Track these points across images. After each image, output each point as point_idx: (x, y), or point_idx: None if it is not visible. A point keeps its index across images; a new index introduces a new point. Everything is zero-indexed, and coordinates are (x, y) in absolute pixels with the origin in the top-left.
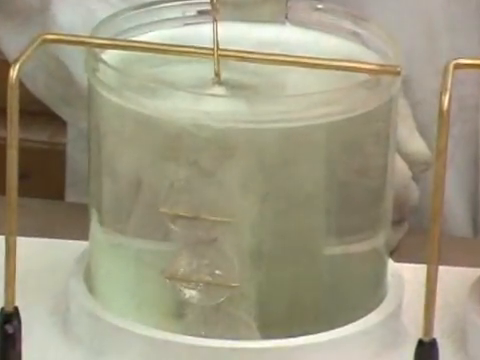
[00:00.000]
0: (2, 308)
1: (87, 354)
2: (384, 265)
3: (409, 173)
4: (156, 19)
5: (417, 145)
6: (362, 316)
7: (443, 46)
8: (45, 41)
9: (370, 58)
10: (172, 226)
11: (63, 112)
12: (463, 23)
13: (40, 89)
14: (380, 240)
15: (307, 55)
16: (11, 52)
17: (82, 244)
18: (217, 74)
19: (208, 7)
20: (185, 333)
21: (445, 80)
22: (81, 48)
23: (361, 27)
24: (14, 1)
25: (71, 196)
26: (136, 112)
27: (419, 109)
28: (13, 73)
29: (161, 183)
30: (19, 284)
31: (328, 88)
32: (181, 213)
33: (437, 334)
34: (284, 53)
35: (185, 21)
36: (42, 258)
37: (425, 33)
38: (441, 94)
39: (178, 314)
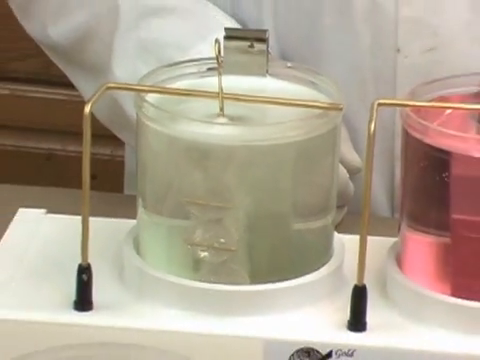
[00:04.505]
0: (80, 264)
1: (136, 296)
2: (331, 235)
3: (347, 175)
4: (180, 73)
5: (353, 157)
6: (317, 269)
7: (370, 90)
8: (108, 88)
9: (322, 98)
10: (192, 210)
11: (120, 135)
12: (383, 73)
13: (105, 119)
14: (329, 219)
15: (281, 97)
16: (85, 94)
17: (132, 222)
18: (221, 109)
19: (215, 65)
20: (200, 280)
21: (371, 113)
22: (131, 93)
23: (317, 78)
24: (87, 60)
25: (128, 191)
26: (168, 135)
27: (354, 133)
28: (86, 109)
29: (184, 182)
30: (90, 249)
31: (294, 118)
32: (198, 201)
33: (366, 282)
34: (266, 96)
35: (200, 75)
36: (105, 232)
37: (357, 82)
38: (368, 123)
39: (196, 268)
